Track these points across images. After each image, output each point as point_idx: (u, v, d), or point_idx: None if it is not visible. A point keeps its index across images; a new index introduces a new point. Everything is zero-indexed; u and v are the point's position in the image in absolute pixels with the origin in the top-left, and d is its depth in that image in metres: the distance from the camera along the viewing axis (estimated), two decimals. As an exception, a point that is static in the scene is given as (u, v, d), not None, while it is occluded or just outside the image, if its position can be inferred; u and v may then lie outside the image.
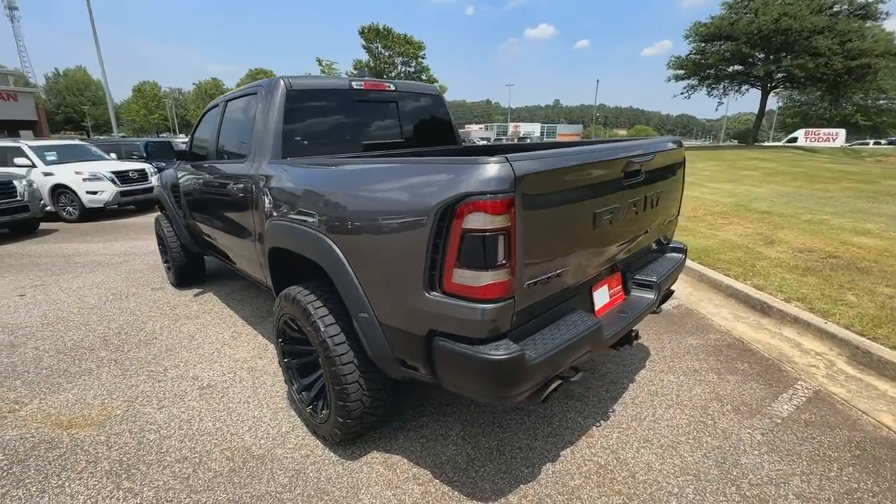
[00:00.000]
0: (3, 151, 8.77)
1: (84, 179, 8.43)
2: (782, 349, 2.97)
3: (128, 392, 2.60)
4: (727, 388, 2.54)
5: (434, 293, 1.47)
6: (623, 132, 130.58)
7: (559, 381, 1.64)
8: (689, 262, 4.32)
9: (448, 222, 1.38)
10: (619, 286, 2.13)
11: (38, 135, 37.10)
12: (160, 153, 12.19)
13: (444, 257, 1.41)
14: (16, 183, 7.02)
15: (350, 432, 1.97)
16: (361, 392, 1.86)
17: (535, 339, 1.59)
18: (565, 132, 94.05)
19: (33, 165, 8.62)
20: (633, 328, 2.03)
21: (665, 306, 3.46)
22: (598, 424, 2.26)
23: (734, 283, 3.90)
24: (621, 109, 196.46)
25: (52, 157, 9.01)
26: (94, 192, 8.43)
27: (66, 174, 8.51)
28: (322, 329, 1.83)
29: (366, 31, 36.03)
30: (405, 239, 1.53)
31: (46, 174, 8.49)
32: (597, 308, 1.95)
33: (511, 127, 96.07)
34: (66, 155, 9.27)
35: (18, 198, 6.94)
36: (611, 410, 2.37)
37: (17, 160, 8.63)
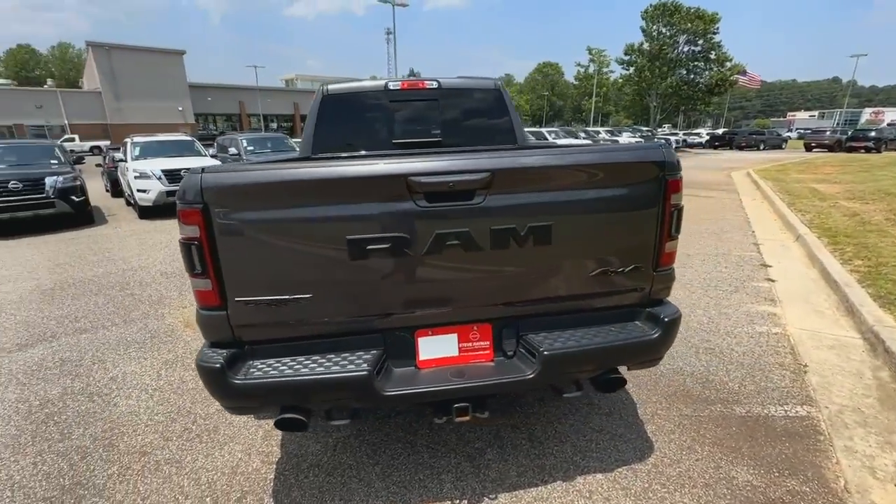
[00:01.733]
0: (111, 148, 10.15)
1: (135, 177, 8.12)
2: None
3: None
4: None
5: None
6: None
7: (302, 414, 1.50)
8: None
9: None
10: (485, 341, 1.63)
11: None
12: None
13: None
14: (47, 180, 7.10)
15: None
16: None
17: (279, 364, 1.51)
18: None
19: (123, 159, 8.98)
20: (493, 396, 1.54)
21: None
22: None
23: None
24: None
25: (137, 152, 8.95)
26: (144, 191, 7.96)
27: (136, 170, 8.24)
28: None
29: (650, 11, 32.67)
30: None
31: (133, 170, 8.30)
32: (421, 358, 1.60)
33: (866, 114, 69.18)
34: (158, 151, 9.10)
35: (43, 194, 7.03)
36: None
37: (116, 154, 9.74)
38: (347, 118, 3.01)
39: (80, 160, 12.93)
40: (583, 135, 21.13)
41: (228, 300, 1.43)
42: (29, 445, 2.15)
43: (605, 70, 50.97)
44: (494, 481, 1.85)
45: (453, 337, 1.63)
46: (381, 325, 1.59)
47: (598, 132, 25.10)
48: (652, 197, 1.53)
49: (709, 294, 3.87)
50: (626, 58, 34.24)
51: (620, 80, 39.25)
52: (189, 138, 10.56)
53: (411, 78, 3.03)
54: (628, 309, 1.68)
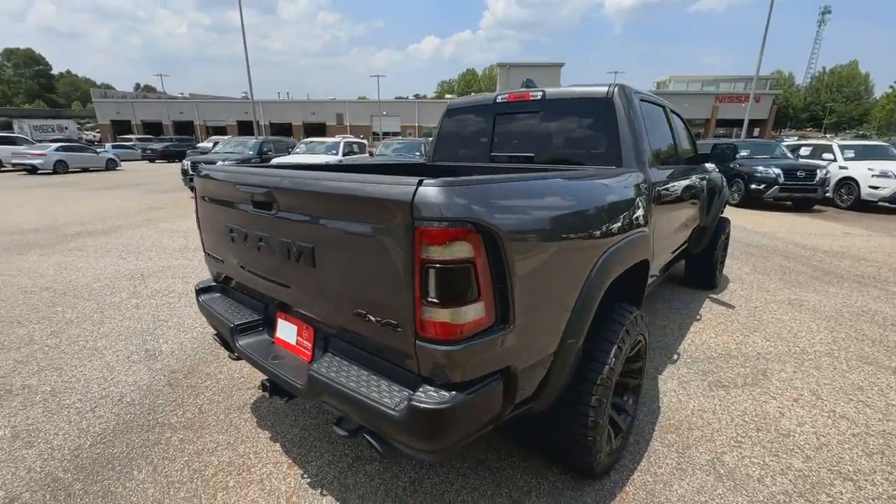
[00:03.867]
0: (818, 149, 12.00)
1: (873, 175, 10.02)
2: None
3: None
4: None
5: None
6: None
7: None
8: None
9: None
10: (309, 343, 1.71)
11: (763, 133, 42.62)
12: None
13: None
14: (818, 171, 9.94)
15: None
16: None
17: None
18: None
19: (834, 160, 11.16)
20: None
21: None
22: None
23: None
24: None
25: (850, 154, 11.17)
26: (876, 188, 9.94)
27: (858, 169, 10.39)
28: None
29: None
30: None
31: (841, 167, 10.76)
32: (276, 335, 1.87)
33: None
34: (862, 154, 11.09)
35: (814, 182, 9.85)
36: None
37: (825, 155, 11.53)
38: (460, 131, 3.25)
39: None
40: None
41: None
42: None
43: None
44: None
45: (294, 328, 1.75)
46: (263, 298, 1.89)
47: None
48: (399, 245, 1.18)
49: None
50: None
51: None
52: (883, 144, 12.23)
53: (522, 90, 2.88)
54: (409, 373, 1.34)
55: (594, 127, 2.59)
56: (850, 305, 4.17)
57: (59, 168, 18.59)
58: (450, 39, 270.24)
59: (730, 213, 9.74)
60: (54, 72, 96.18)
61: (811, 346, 3.31)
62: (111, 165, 21.24)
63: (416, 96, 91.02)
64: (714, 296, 4.40)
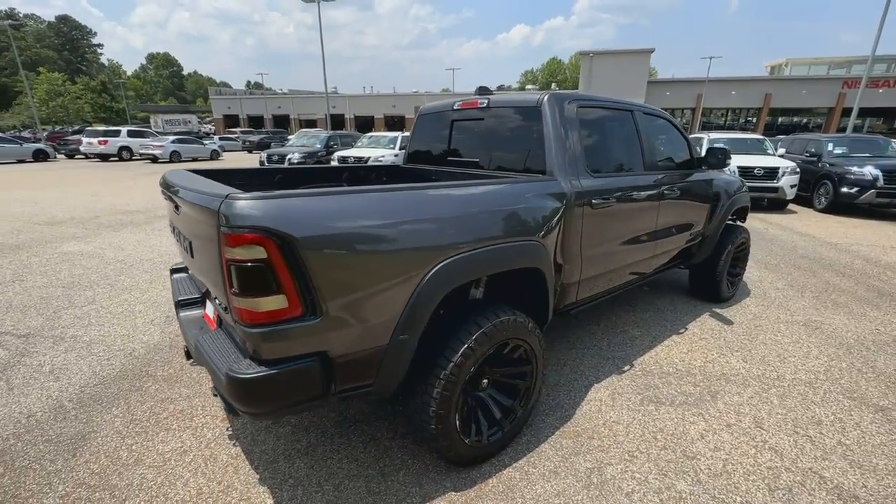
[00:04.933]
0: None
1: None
2: None
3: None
4: None
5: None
6: None
7: None
8: None
9: None
10: (215, 317, 2.08)
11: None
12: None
13: None
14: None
15: None
16: None
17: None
18: None
19: None
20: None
21: None
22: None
23: None
24: None
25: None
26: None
27: None
28: None
29: None
30: None
31: None
32: (206, 311, 2.23)
33: None
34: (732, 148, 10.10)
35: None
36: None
37: None
38: (428, 135, 3.46)
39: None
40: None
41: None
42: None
43: None
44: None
45: (212, 306, 2.06)
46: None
47: None
48: (216, 244, 1.47)
49: None
50: None
51: None
52: (758, 137, 11.03)
53: (474, 97, 3.00)
54: (246, 350, 1.63)
55: (526, 135, 2.64)
56: (881, 333, 3.65)
57: (174, 157, 21.75)
58: (540, 27, 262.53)
59: (810, 219, 8.60)
60: (184, 72, 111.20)
61: (794, 373, 3.02)
62: (214, 156, 24.28)
63: (500, 87, 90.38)
64: (718, 310, 4.09)
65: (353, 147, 14.61)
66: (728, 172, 5.84)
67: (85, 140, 22.37)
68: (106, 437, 2.30)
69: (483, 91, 3.09)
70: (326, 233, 1.51)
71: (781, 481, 2.06)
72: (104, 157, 22.16)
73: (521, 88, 74.53)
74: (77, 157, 23.71)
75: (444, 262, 1.77)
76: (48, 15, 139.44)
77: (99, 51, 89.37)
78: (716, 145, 6.64)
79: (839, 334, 3.63)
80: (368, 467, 2.12)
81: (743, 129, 40.87)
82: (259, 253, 1.41)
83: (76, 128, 39.85)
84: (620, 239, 2.87)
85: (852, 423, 2.50)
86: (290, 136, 28.66)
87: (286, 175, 3.16)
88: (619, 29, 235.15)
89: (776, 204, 9.78)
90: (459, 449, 1.99)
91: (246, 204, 1.41)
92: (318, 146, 15.06)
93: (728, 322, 3.84)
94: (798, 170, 9.39)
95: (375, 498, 1.94)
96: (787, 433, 2.40)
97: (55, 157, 22.82)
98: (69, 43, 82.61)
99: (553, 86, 66.50)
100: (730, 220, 4.41)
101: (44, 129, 38.62)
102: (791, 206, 10.15)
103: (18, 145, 21.40)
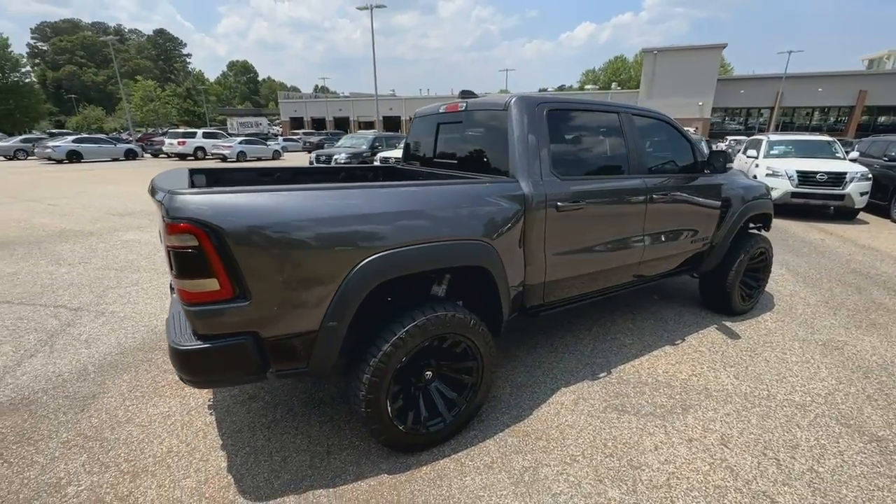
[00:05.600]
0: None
1: (766, 175, 8.69)
2: None
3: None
4: None
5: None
6: None
7: None
8: None
9: None
10: None
11: None
12: None
13: None
14: None
15: None
16: None
17: None
18: None
19: (755, 156, 9.79)
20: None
21: None
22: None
23: None
24: None
25: (771, 150, 9.80)
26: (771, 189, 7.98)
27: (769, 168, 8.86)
28: None
29: None
30: None
31: (767, 167, 8.90)
32: None
33: None
34: (796, 150, 9.61)
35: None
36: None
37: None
38: (421, 136, 3.61)
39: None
40: None
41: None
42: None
43: None
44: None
45: None
46: None
47: None
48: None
49: None
50: None
51: None
52: (828, 139, 9.94)
53: (457, 100, 3.09)
54: None
55: (495, 137, 2.70)
56: (915, 360, 3.25)
57: (241, 157, 23.62)
58: (607, 24, 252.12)
59: (881, 232, 7.66)
60: (259, 78, 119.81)
61: (788, 393, 2.80)
62: (276, 156, 26.04)
63: (560, 88, 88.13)
64: (728, 324, 3.85)
65: (396, 148, 15.08)
66: (750, 177, 5.44)
67: (167, 141, 25.01)
68: (111, 398, 2.67)
69: (466, 94, 3.17)
70: (253, 224, 1.70)
71: (727, 501, 1.96)
72: (182, 157, 24.59)
73: (581, 88, 72.28)
74: (161, 156, 26.45)
75: (373, 258, 1.90)
76: (147, 28, 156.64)
77: (188, 60, 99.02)
78: (718, 148, 6.18)
79: (861, 357, 3.29)
80: (318, 444, 2.30)
81: (832, 130, 36.79)
82: (191, 241, 1.63)
83: (163, 130, 44.39)
84: (596, 242, 2.83)
85: (835, 450, 2.29)
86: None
87: (283, 174, 3.45)
88: (694, 24, 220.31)
89: (844, 213, 8.82)
90: (392, 433, 2.11)
91: (182, 198, 1.63)
92: (364, 147, 15.72)
93: (734, 336, 3.61)
94: (870, 176, 8.40)
95: (314, 471, 2.11)
96: (754, 454, 2.26)
97: (143, 156, 25.66)
98: (164, 53, 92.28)
99: (614, 85, 63.74)
100: (751, 227, 4.13)
101: (137, 131, 43.43)
102: (863, 216, 9.10)
103: (113, 145, 24.28)
